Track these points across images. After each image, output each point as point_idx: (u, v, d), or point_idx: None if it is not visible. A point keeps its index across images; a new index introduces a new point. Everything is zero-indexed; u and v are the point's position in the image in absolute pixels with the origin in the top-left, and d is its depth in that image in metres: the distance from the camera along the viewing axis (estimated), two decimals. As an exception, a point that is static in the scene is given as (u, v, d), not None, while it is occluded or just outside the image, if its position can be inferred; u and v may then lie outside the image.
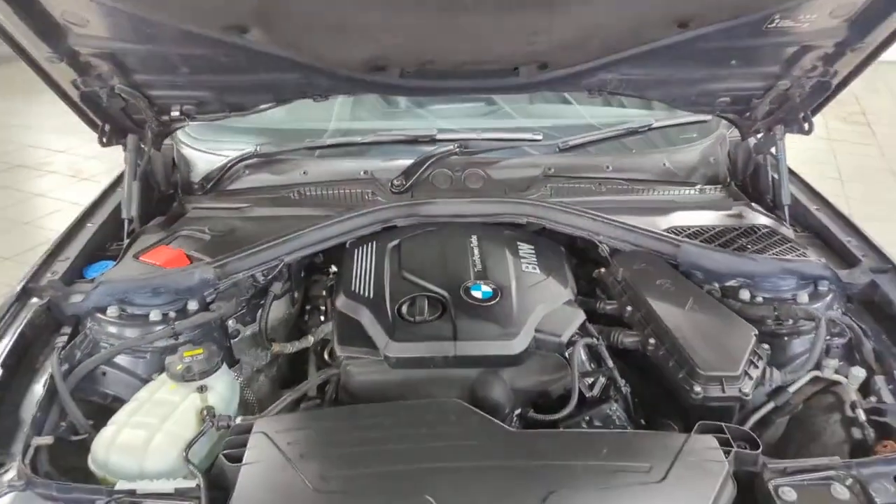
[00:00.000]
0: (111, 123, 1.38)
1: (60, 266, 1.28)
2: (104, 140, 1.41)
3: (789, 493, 0.89)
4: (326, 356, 1.25)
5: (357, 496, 0.86)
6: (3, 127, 5.34)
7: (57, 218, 3.86)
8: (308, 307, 1.44)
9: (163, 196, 1.58)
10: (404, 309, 1.17)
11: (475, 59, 1.28)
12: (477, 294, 1.19)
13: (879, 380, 1.10)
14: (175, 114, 1.38)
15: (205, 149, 1.65)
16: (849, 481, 0.90)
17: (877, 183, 4.15)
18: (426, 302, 1.17)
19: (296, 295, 1.43)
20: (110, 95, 1.29)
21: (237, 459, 0.91)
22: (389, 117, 1.78)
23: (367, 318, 1.16)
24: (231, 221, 1.45)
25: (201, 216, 1.49)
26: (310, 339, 1.29)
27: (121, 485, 0.93)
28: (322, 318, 1.35)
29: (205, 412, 1.03)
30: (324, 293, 1.41)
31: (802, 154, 1.56)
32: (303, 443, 0.95)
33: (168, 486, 0.93)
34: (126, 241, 1.39)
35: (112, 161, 4.38)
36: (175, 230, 1.41)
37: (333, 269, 1.43)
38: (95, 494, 0.90)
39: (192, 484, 0.92)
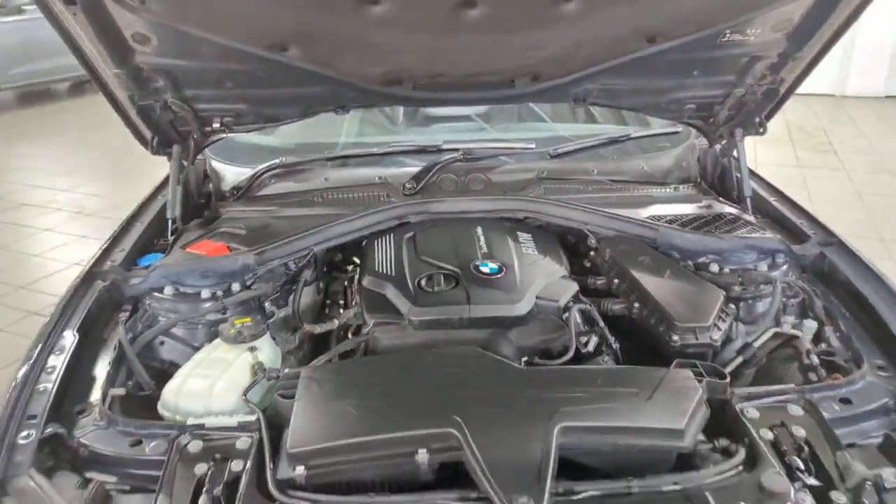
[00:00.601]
0: (159, 135, 1.58)
1: (118, 256, 1.46)
2: (152, 150, 1.61)
3: (752, 412, 1.07)
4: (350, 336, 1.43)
5: (394, 418, 1.03)
6: (10, 170, 5.53)
7: (64, 250, 4.02)
8: (328, 301, 1.62)
9: (196, 203, 1.77)
10: (423, 282, 1.35)
11: (477, 72, 1.50)
12: (485, 269, 1.38)
13: (828, 330, 1.29)
14: (216, 125, 1.59)
15: (232, 162, 1.86)
16: (801, 402, 1.09)
17: (846, 204, 4.43)
18: (442, 277, 1.36)
19: (321, 284, 1.61)
20: (163, 108, 1.50)
21: (290, 397, 1.08)
22: (392, 133, 2.01)
23: (391, 291, 1.35)
24: (263, 220, 1.64)
25: (235, 217, 1.67)
26: (335, 322, 1.46)
27: (190, 421, 1.10)
28: (341, 309, 1.52)
29: (256, 366, 1.21)
30: (345, 284, 1.58)
31: (776, 180, 1.79)
32: (344, 382, 1.12)
33: (231, 420, 1.09)
34: (171, 238, 1.57)
35: (112, 199, 4.52)
36: (214, 228, 1.60)
37: (352, 264, 1.62)
38: (169, 429, 1.07)
39: (251, 418, 1.08)
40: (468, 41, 1.39)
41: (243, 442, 1.03)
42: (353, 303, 1.46)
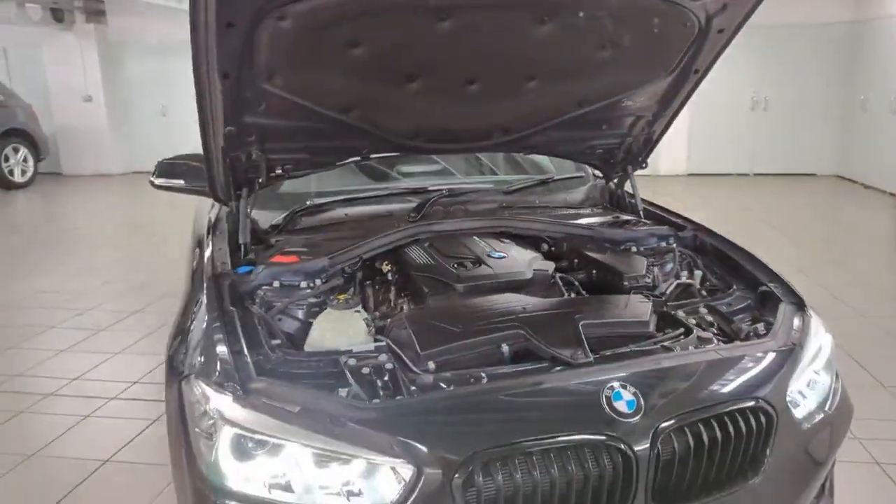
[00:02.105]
0: (234, 180, 2.06)
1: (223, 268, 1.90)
2: (221, 195, 2.07)
3: (681, 313, 1.80)
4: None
5: (483, 328, 1.61)
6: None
7: None
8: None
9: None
10: (457, 266, 1.96)
11: (470, 128, 2.19)
12: (496, 256, 2.02)
13: (709, 276, 2.09)
14: (278, 171, 2.11)
15: (264, 209, 2.35)
16: (705, 306, 1.84)
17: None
18: (469, 262, 1.98)
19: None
20: (247, 159, 2.01)
21: (403, 328, 1.62)
22: (386, 181, 2.63)
23: (437, 273, 1.93)
24: (310, 242, 2.15)
25: (285, 242, 2.16)
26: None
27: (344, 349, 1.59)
28: (390, 294, 2.05)
29: (366, 319, 1.73)
30: (387, 278, 2.09)
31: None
32: (437, 315, 1.68)
33: (370, 346, 1.60)
34: (245, 256, 2.03)
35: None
36: (278, 248, 2.08)
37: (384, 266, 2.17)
38: (333, 355, 1.55)
39: (381, 343, 1.60)
40: (467, 106, 2.09)
41: (383, 357, 1.55)
42: (400, 290, 2.01)
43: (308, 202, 2.36)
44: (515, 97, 2.10)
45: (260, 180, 2.12)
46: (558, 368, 1.50)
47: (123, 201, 9.21)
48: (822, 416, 1.61)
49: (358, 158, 2.25)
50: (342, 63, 1.78)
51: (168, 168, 2.54)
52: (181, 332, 1.73)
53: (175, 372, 1.57)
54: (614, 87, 2.15)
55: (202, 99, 1.74)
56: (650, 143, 2.44)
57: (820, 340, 1.71)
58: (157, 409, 2.72)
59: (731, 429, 1.41)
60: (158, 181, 2.56)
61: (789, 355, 1.60)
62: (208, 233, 2.23)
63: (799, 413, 1.55)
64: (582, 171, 2.80)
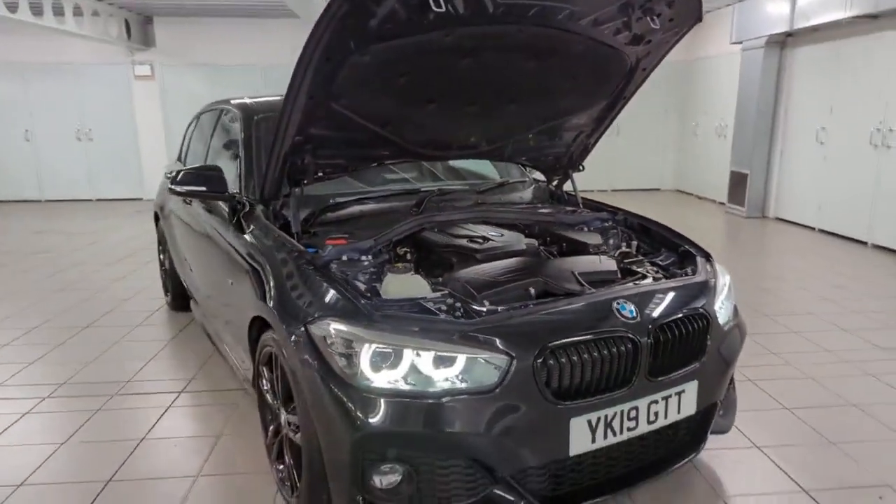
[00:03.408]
0: (289, 183, 2.55)
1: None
2: (268, 196, 2.56)
3: (634, 267, 2.57)
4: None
5: (516, 277, 2.26)
6: None
7: None
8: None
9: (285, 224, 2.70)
10: (470, 241, 2.59)
11: (465, 138, 2.84)
12: (495, 235, 2.67)
13: (641, 245, 2.89)
14: (320, 174, 2.62)
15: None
16: (647, 261, 2.62)
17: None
18: (478, 239, 2.62)
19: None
20: (300, 163, 2.51)
21: (458, 281, 2.24)
22: (388, 184, 3.21)
23: (459, 248, 2.55)
24: (342, 230, 2.66)
25: (322, 231, 2.66)
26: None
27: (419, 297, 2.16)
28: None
29: (424, 279, 2.31)
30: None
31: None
32: (481, 272, 2.31)
33: (438, 294, 2.19)
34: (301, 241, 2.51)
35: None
36: (323, 235, 2.58)
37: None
38: (414, 300, 2.12)
39: (445, 291, 2.20)
40: (465, 123, 2.74)
41: (450, 300, 2.14)
42: (431, 261, 2.59)
43: (332, 200, 2.87)
44: (498, 116, 2.79)
45: (305, 181, 2.62)
46: (570, 300, 2.18)
47: None
48: (731, 324, 2.43)
49: (375, 164, 2.82)
50: (390, 88, 2.37)
51: (190, 176, 2.93)
52: (282, 296, 2.19)
53: (296, 322, 2.05)
54: (568, 109, 2.91)
55: (284, 113, 2.26)
56: (586, 152, 3.23)
57: (725, 278, 2.55)
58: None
59: (689, 326, 2.17)
60: (180, 188, 2.94)
61: (712, 285, 2.41)
62: (236, 229, 2.72)
63: (720, 319, 2.35)
64: (525, 176, 3.55)
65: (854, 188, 7.28)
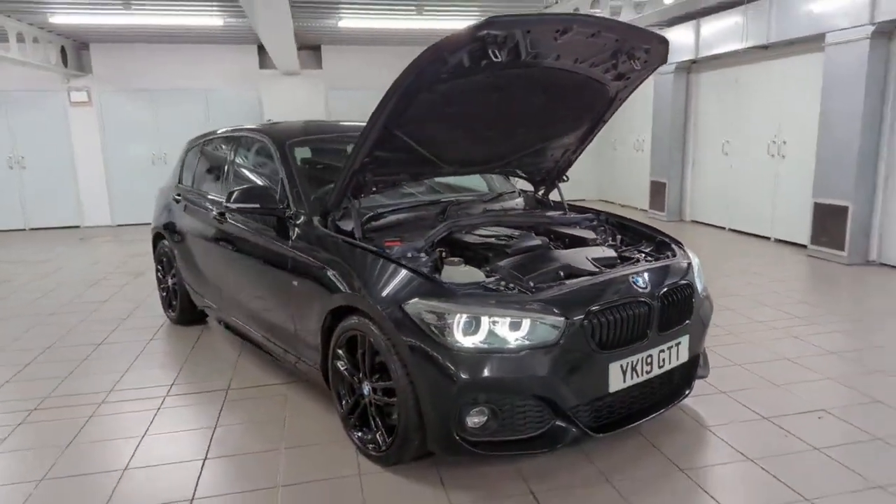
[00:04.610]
0: (351, 195, 3.06)
1: None
2: (337, 205, 3.06)
3: (627, 251, 3.26)
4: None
5: (543, 266, 2.88)
6: None
7: None
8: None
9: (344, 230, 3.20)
10: (499, 239, 3.19)
11: (482, 158, 3.45)
12: (517, 234, 3.29)
13: (622, 237, 3.59)
14: (374, 189, 3.15)
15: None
16: (635, 248, 3.33)
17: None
18: (505, 237, 3.22)
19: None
20: (362, 179, 3.03)
21: (505, 268, 2.84)
22: (415, 196, 3.76)
23: (491, 245, 3.14)
24: (390, 234, 3.19)
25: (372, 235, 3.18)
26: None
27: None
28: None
29: (475, 269, 2.88)
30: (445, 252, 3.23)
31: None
32: (517, 262, 2.91)
33: (491, 280, 2.77)
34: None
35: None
36: (379, 238, 3.10)
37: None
38: (475, 283, 2.69)
39: (497, 277, 2.78)
40: (485, 144, 3.36)
41: (503, 283, 2.74)
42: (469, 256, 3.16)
43: (375, 211, 3.39)
44: (509, 138, 3.42)
45: (363, 195, 3.15)
46: (596, 277, 2.82)
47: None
48: (704, 294, 3.16)
49: (416, 178, 3.39)
50: (439, 117, 2.95)
51: (247, 194, 3.38)
52: (373, 286, 2.69)
53: (392, 304, 2.57)
54: (561, 131, 3.59)
55: (362, 139, 2.81)
56: (569, 165, 3.92)
57: (695, 260, 3.27)
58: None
59: (681, 294, 2.87)
60: (235, 205, 3.38)
61: (689, 264, 3.13)
62: (297, 238, 3.24)
63: (698, 289, 3.07)
64: (514, 187, 4.21)
65: (756, 192, 8.45)
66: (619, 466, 2.73)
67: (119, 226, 11.17)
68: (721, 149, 9.16)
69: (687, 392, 3.00)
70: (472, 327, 2.45)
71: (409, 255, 2.90)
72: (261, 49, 11.15)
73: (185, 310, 4.89)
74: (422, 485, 2.63)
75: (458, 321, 2.45)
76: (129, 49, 10.72)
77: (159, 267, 5.21)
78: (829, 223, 6.91)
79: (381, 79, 12.52)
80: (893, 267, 6.52)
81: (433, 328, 2.47)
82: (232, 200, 3.39)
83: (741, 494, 2.51)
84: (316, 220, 3.23)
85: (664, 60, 3.22)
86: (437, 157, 3.22)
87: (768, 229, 8.29)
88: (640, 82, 3.39)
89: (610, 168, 12.25)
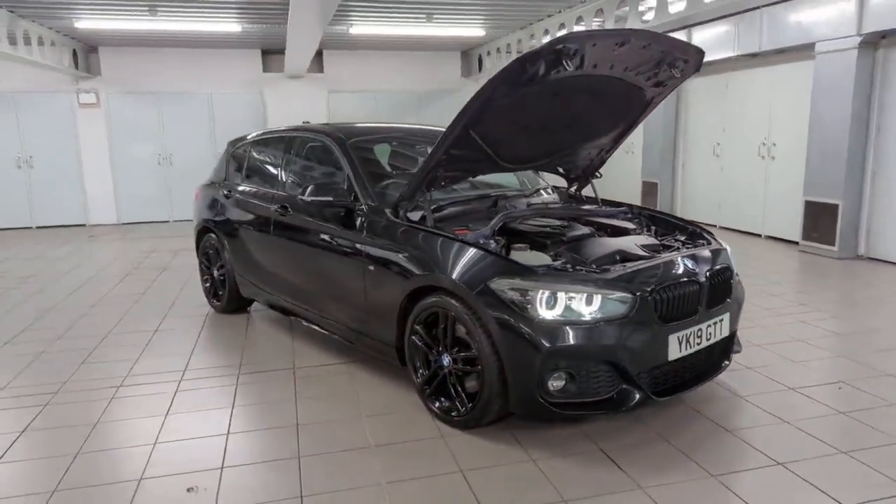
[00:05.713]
0: (425, 189, 3.39)
1: None
2: (405, 204, 3.38)
3: (665, 241, 3.64)
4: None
5: (601, 251, 3.24)
6: None
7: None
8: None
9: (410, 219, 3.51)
10: (553, 228, 3.54)
11: (533, 155, 3.80)
12: (567, 224, 3.64)
13: (657, 229, 3.97)
14: (443, 183, 3.47)
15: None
16: (660, 232, 3.71)
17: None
18: (559, 227, 3.57)
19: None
20: (436, 174, 3.35)
21: (564, 252, 3.19)
22: (468, 191, 4.08)
23: (547, 234, 3.49)
24: (454, 224, 3.52)
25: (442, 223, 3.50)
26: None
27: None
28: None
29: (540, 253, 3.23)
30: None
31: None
32: (576, 247, 3.26)
33: (559, 263, 3.12)
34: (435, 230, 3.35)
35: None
36: (448, 226, 3.42)
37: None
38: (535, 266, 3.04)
39: (562, 260, 3.13)
40: (537, 143, 3.71)
41: (568, 265, 3.09)
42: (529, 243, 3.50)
43: (436, 204, 3.71)
44: (557, 137, 3.78)
45: (434, 188, 3.48)
46: (653, 260, 3.18)
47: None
48: (738, 278, 3.54)
49: (474, 174, 3.73)
50: (507, 119, 3.29)
51: (320, 188, 3.69)
52: (457, 268, 3.01)
53: (477, 282, 2.90)
54: (600, 132, 3.95)
55: (442, 139, 3.15)
56: (603, 163, 4.29)
57: (728, 247, 3.66)
58: None
59: (722, 276, 3.25)
60: (310, 198, 3.69)
61: (726, 250, 3.52)
62: (356, 228, 3.58)
63: (736, 273, 3.46)
64: (545, 182, 4.57)
65: (747, 191, 8.95)
66: (672, 429, 3.09)
67: (124, 224, 11.30)
68: (712, 151, 9.65)
69: (727, 363, 3.38)
70: (552, 302, 2.79)
71: (481, 241, 3.23)
72: (264, 53, 11.39)
73: (232, 299, 5.15)
74: (500, 444, 2.96)
75: (541, 297, 2.79)
76: (136, 52, 10.88)
77: (204, 259, 5.45)
78: (819, 220, 7.41)
79: (379, 82, 12.89)
80: (881, 260, 7.03)
81: (516, 303, 2.81)
82: (307, 194, 3.69)
83: (784, 449, 2.89)
84: (388, 211, 3.55)
85: (698, 69, 3.60)
86: (498, 154, 3.56)
87: (759, 227, 8.79)
88: (673, 89, 3.78)
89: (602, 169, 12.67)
